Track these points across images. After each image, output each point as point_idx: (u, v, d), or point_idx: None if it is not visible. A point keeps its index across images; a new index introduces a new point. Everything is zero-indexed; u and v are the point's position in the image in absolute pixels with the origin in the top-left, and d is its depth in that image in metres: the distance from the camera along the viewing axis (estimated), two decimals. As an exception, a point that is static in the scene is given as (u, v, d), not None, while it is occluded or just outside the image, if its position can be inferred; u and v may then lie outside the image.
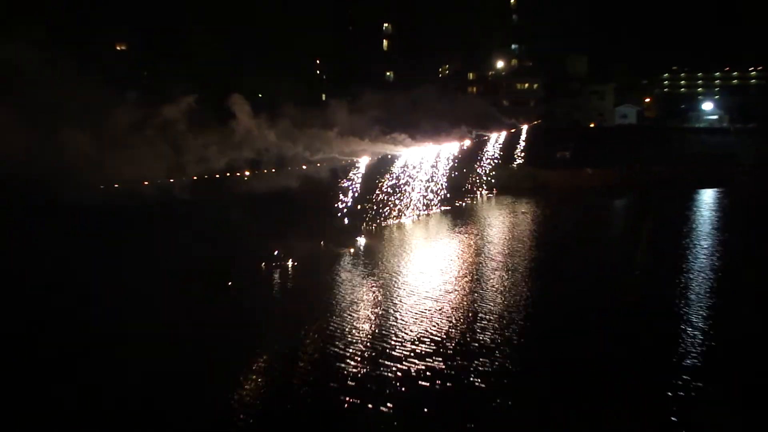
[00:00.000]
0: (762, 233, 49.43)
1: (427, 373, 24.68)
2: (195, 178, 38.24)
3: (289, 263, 39.73)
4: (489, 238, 50.92)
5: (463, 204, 67.39)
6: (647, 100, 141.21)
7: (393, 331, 29.00)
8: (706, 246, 45.95)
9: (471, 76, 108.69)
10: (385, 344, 27.49)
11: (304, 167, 44.86)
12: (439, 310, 32.07)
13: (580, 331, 29.19)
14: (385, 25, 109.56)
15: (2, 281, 31.22)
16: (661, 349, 27.10)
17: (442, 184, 64.05)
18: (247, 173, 41.79)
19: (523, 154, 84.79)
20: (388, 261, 42.63)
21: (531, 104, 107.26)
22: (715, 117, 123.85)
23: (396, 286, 36.46)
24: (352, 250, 45.33)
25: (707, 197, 71.01)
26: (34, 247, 33.58)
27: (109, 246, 36.31)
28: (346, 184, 49.24)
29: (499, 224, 57.59)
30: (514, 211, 64.50)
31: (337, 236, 46.64)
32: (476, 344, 27.59)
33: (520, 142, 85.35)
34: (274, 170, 43.03)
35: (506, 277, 38.22)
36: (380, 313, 31.72)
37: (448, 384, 23.96)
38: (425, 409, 22.39)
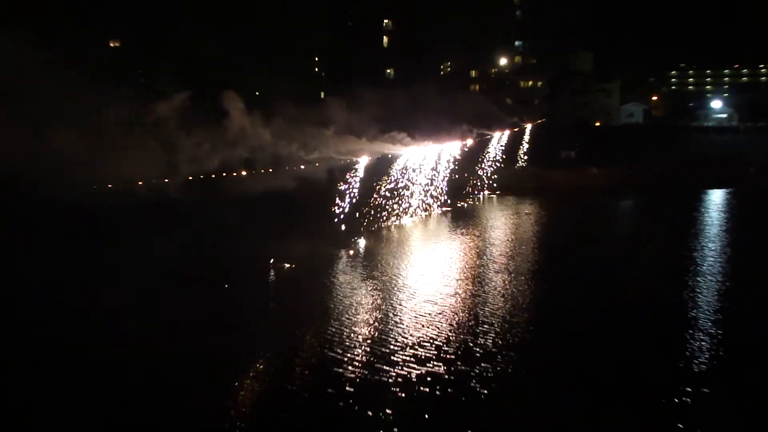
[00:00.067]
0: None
1: (428, 379, 24.62)
2: (190, 178, 38.21)
3: (287, 265, 39.72)
4: (491, 240, 50.90)
5: (465, 205, 67.43)
6: (654, 98, 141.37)
7: (393, 335, 28.95)
8: (713, 248, 45.92)
9: (473, 73, 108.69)
10: (384, 349, 27.44)
11: (302, 167, 44.85)
12: (440, 313, 32.03)
13: (584, 336, 29.11)
14: (386, 21, 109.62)
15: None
16: (668, 353, 27.02)
17: (443, 185, 64.08)
18: (242, 173, 41.74)
19: (526, 154, 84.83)
20: (387, 263, 42.59)
21: (535, 102, 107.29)
22: (724, 115, 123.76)
23: (396, 288, 36.42)
24: (351, 252, 45.33)
25: (716, 198, 71.02)
26: (23, 249, 33.53)
27: (101, 248, 36.31)
28: (344, 185, 49.20)
29: (502, 225, 57.56)
30: (517, 212, 64.50)
31: (335, 238, 46.64)
32: (478, 349, 27.54)
33: (524, 141, 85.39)
34: (270, 170, 43.00)
35: (509, 279, 38.18)
36: (380, 316, 31.67)
37: (448, 390, 23.88)
38: (425, 416, 22.32)
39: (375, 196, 54.06)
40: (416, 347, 27.56)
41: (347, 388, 23.96)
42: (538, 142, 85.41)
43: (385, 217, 54.94)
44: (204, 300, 32.99)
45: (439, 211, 62.55)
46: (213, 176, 39.20)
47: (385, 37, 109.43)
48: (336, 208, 48.62)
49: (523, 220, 59.92)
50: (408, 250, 47.12)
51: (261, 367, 26.17)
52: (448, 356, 26.68)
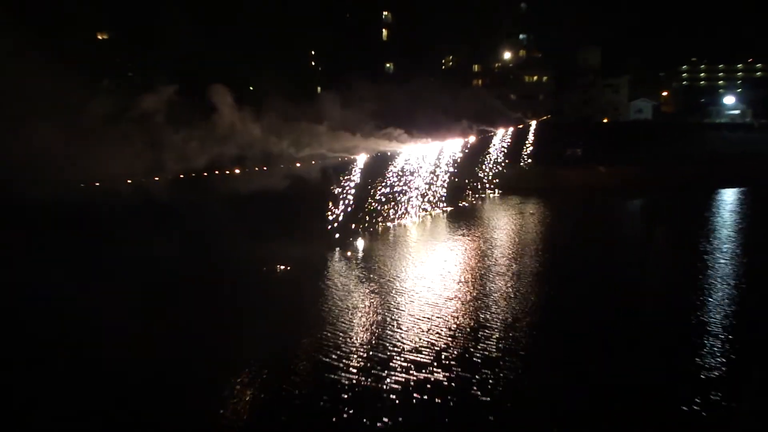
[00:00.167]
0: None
1: (427, 386, 24.46)
2: (181, 176, 37.98)
3: (281, 267, 39.54)
4: (494, 241, 50.74)
5: (467, 204, 67.32)
6: (664, 93, 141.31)
7: (391, 341, 28.78)
8: (726, 250, 45.76)
9: (476, 68, 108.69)
10: (382, 354, 27.27)
11: (298, 165, 44.64)
12: (441, 317, 31.87)
13: (591, 342, 28.94)
14: (385, 14, 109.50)
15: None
16: (679, 361, 26.85)
17: (444, 184, 63.96)
18: (230, 171, 41.45)
19: (531, 152, 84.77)
20: (386, 265, 42.45)
21: (540, 98, 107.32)
22: (737, 112, 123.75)
23: (395, 292, 36.28)
24: (348, 254, 45.19)
25: (728, 198, 70.93)
26: None
27: (83, 250, 35.99)
28: (341, 183, 49.02)
29: (505, 226, 57.43)
30: (521, 212, 64.39)
31: (332, 239, 46.49)
32: (480, 354, 27.37)
33: (528, 138, 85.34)
34: (264, 168, 42.76)
35: (512, 282, 38.01)
36: (378, 320, 31.51)
37: (449, 397, 23.71)
38: (425, 424, 22.16)
39: (373, 195, 53.92)
40: (416, 352, 27.38)
41: (343, 395, 23.77)
42: (542, 139, 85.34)
43: (383, 217, 54.80)
44: (192, 305, 32.80)
45: (440, 211, 62.42)
46: (198, 174, 38.88)
47: (384, 30, 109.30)
48: (333, 207, 48.45)
49: (528, 221, 59.77)
50: (408, 251, 46.95)
51: (253, 373, 25.94)
52: (449, 362, 26.50)
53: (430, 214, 60.94)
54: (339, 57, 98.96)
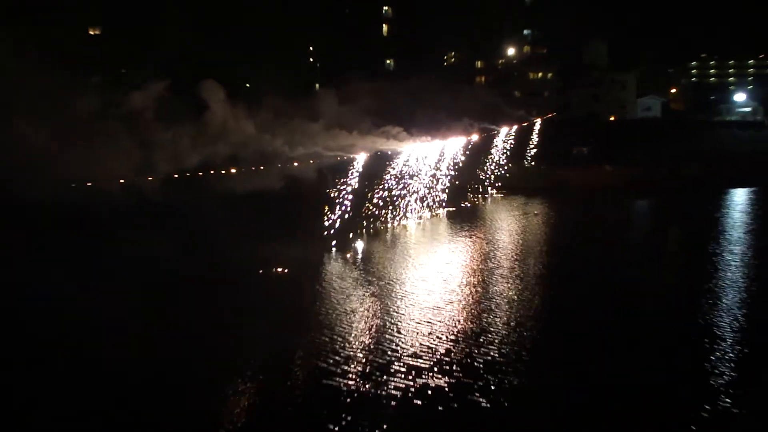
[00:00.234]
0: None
1: (428, 392, 24.39)
2: (176, 176, 37.91)
3: (278, 270, 39.49)
4: (498, 243, 50.66)
5: (470, 205, 67.23)
6: (673, 90, 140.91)
7: (391, 345, 28.71)
8: (736, 251, 45.66)
9: (479, 64, 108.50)
10: (381, 360, 27.20)
11: (296, 164, 44.55)
12: (442, 321, 31.80)
13: (597, 347, 28.88)
14: (386, 9, 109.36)
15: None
16: (686, 365, 26.77)
17: (446, 183, 63.88)
18: (223, 170, 41.35)
19: (535, 151, 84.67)
20: (386, 267, 42.39)
21: (545, 95, 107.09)
22: (747, 109, 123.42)
23: (395, 295, 36.22)
24: (348, 256, 45.13)
25: (738, 198, 70.80)
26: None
27: (82, 250, 35.94)
28: (337, 183, 48.93)
29: (509, 227, 57.37)
30: (525, 212, 64.32)
31: (331, 240, 46.41)
32: (482, 360, 27.29)
33: (533, 136, 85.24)
34: (259, 168, 42.68)
35: (516, 285, 37.95)
36: (377, 324, 31.46)
37: (451, 404, 23.63)
38: (425, 423, 22.23)
39: (372, 195, 53.82)
40: (416, 357, 27.30)
41: (341, 400, 23.73)
42: (548, 138, 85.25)
43: (383, 218, 54.71)
44: (188, 308, 32.76)
45: (441, 212, 62.34)
46: (190, 174, 38.78)
47: (384, 25, 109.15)
48: (332, 208, 48.36)
49: (532, 222, 59.67)
50: (409, 253, 46.88)
51: (249, 378, 25.90)
52: (451, 367, 26.41)
53: (432, 215, 60.85)
54: (338, 55, 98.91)
